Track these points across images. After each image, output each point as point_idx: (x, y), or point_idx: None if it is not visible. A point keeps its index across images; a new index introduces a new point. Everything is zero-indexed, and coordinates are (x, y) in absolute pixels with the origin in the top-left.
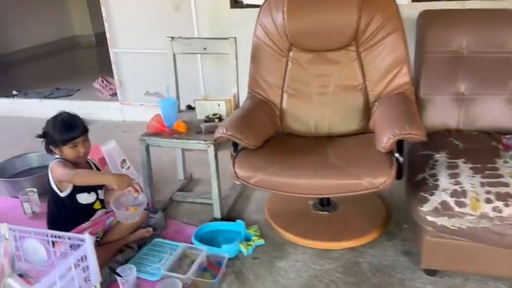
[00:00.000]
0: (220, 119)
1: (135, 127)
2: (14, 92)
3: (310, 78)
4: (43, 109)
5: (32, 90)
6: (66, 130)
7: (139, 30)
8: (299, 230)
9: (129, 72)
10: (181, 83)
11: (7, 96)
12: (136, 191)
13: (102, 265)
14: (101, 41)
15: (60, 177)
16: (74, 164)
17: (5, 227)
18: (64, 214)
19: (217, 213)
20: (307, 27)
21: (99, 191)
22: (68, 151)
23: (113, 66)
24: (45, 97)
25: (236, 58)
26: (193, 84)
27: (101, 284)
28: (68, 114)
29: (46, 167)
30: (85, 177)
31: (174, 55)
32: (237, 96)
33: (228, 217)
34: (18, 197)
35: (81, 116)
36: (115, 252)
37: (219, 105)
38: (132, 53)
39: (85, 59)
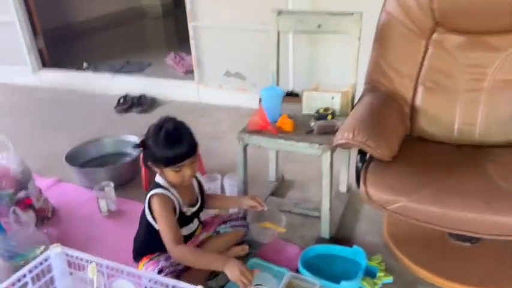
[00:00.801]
0: (333, 115)
1: (213, 112)
2: (85, 65)
3: (458, 69)
4: (115, 84)
5: (103, 63)
6: (170, 148)
7: (223, 3)
8: (434, 265)
9: (208, 50)
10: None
11: (77, 69)
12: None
13: None
14: (167, 12)
15: (161, 233)
16: (174, 185)
17: (94, 269)
18: (159, 243)
19: (325, 233)
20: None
21: (201, 214)
22: (170, 174)
23: (191, 42)
24: (117, 71)
25: (359, 39)
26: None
27: None
28: (175, 125)
29: (122, 154)
30: (190, 260)
31: (278, 33)
32: (355, 88)
33: (335, 238)
34: (91, 188)
35: (153, 96)
36: (207, 274)
37: (332, 98)
38: (214, 29)
39: (153, 31)
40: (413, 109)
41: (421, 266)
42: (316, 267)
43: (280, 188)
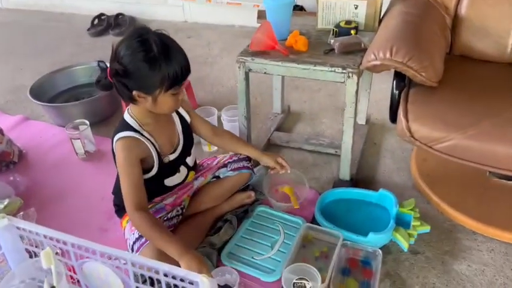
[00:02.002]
0: (357, 30)
1: (202, 32)
2: None
3: None
4: (87, 3)
5: None
6: (172, 63)
7: None
8: (474, 209)
9: None
10: None
11: None
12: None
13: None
14: None
15: (122, 189)
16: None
17: (49, 256)
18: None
19: (344, 174)
20: None
21: (189, 159)
22: (168, 100)
23: None
24: None
25: None
26: None
27: None
28: (158, 34)
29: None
30: (146, 233)
31: None
32: None
33: (356, 179)
34: (64, 126)
35: (132, 15)
36: (207, 229)
37: (356, 8)
38: None
39: None
40: (456, 19)
41: (460, 211)
42: (336, 215)
43: (287, 120)
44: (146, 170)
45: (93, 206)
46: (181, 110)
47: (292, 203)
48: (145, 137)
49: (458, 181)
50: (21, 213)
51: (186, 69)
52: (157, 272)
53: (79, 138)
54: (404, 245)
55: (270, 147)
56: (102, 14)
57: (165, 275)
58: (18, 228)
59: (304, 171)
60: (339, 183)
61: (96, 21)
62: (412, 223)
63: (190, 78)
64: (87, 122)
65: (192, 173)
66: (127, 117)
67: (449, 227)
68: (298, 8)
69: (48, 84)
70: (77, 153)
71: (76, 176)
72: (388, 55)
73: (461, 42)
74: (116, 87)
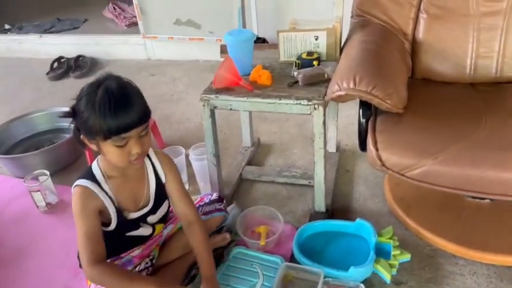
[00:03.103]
0: (319, 61)
1: (165, 68)
2: (7, 27)
3: None
4: (45, 47)
5: (28, 23)
6: (112, 113)
7: None
8: (452, 231)
9: None
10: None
11: None
12: None
13: None
14: None
15: (77, 241)
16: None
17: None
18: (107, 247)
19: (319, 206)
20: None
21: (151, 217)
22: (112, 150)
23: None
24: (45, 31)
25: None
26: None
27: None
28: (118, 82)
29: (57, 130)
30: (111, 285)
31: None
32: (341, 23)
33: (333, 209)
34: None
35: (94, 57)
36: (181, 277)
37: (316, 39)
38: None
39: None
40: (415, 44)
41: (438, 235)
42: (314, 250)
43: (258, 154)
44: (105, 224)
45: (57, 262)
46: (159, 169)
47: (260, 241)
48: (105, 190)
49: (434, 203)
50: None
51: (127, 122)
52: None
53: (39, 190)
54: (386, 276)
55: (242, 182)
56: (61, 57)
57: None
58: None
59: (279, 205)
60: (315, 215)
61: (55, 64)
62: (392, 252)
63: (156, 117)
64: (47, 172)
65: (159, 226)
66: (94, 165)
67: (430, 252)
68: (260, 41)
69: (5, 134)
70: (37, 206)
71: (38, 230)
72: (351, 85)
73: (422, 65)
74: (73, 129)
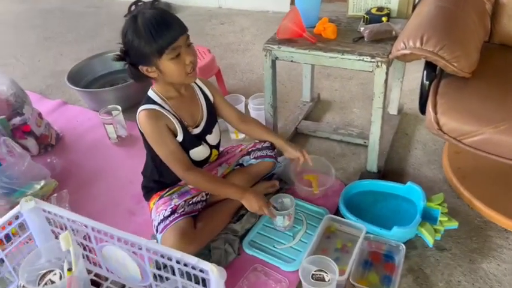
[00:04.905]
0: (388, 17)
1: (235, 18)
2: None
3: None
4: None
5: None
6: (157, 29)
7: None
8: (507, 205)
9: None
10: None
11: None
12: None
13: (215, 237)
14: None
15: (164, 160)
16: (179, 88)
17: (68, 239)
18: (167, 174)
19: (372, 165)
20: None
21: (209, 137)
22: (169, 65)
23: None
24: None
25: None
26: None
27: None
28: (150, 6)
29: None
30: (206, 187)
31: None
32: None
33: (385, 171)
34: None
35: (168, 1)
36: (230, 216)
37: None
38: None
39: None
40: (497, 6)
41: (492, 207)
42: (360, 207)
43: (316, 109)
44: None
45: (123, 189)
46: (206, 90)
47: (313, 189)
48: (167, 109)
49: (492, 176)
50: (55, 194)
51: (172, 32)
52: (170, 259)
53: (111, 123)
54: (429, 240)
55: (297, 136)
56: (138, 0)
57: (178, 262)
58: (44, 210)
59: (331, 161)
60: (366, 174)
61: (133, 7)
62: (440, 218)
63: (221, 65)
64: (119, 108)
65: (215, 151)
66: (150, 92)
67: (480, 223)
68: None
69: (85, 70)
70: (109, 138)
71: (108, 159)
72: (418, 44)
73: (502, 30)
74: (128, 68)
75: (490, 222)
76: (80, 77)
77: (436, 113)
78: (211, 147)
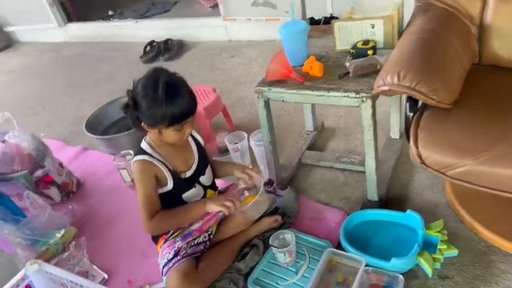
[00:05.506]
0: (374, 50)
1: (244, 49)
2: (110, 13)
3: None
4: (140, 31)
5: (127, 8)
6: (173, 105)
7: None
8: (510, 228)
9: None
10: None
11: (103, 19)
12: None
13: (220, 276)
14: None
15: (138, 204)
16: (162, 146)
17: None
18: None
19: (372, 195)
20: None
21: (203, 178)
22: (170, 133)
23: None
24: (141, 16)
25: None
26: None
27: None
28: (170, 77)
29: None
30: (170, 224)
31: None
32: (401, 10)
33: (386, 198)
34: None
35: (180, 39)
36: (233, 255)
37: (373, 27)
38: None
39: None
40: (482, 28)
41: (495, 231)
42: (362, 238)
43: (320, 137)
44: (163, 185)
45: (137, 231)
46: (196, 134)
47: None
48: (157, 159)
49: (494, 199)
50: (73, 242)
51: (186, 112)
52: None
53: (125, 168)
54: (428, 270)
55: (301, 166)
56: (153, 41)
57: None
58: (47, 272)
59: (336, 191)
60: (367, 204)
61: (148, 48)
62: (439, 246)
63: (231, 99)
64: (132, 152)
65: (210, 191)
66: (143, 143)
67: (483, 248)
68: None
69: (102, 116)
70: (124, 181)
71: (124, 202)
72: (395, 80)
73: (490, 51)
74: (130, 117)
75: (492, 246)
76: (98, 123)
77: (417, 147)
78: (205, 187)
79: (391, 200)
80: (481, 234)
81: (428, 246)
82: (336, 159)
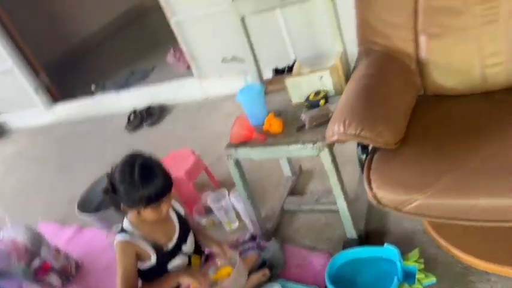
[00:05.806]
0: (326, 99)
1: (221, 104)
2: (93, 87)
3: (463, 2)
4: (122, 102)
5: (109, 80)
6: (149, 187)
7: None
8: (484, 247)
9: (197, 41)
10: (261, 48)
11: (87, 94)
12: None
13: None
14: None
15: (117, 273)
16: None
17: None
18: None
19: (351, 233)
20: None
21: (184, 246)
22: (148, 213)
23: (178, 38)
24: (121, 87)
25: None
26: (277, 47)
27: None
28: (145, 160)
29: None
30: None
31: (242, 18)
32: (345, 57)
33: (366, 234)
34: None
35: (161, 103)
36: None
37: (321, 78)
38: (196, 18)
39: (155, 27)
40: (420, 63)
41: (469, 253)
42: (347, 278)
43: (299, 182)
44: (146, 260)
45: None
46: (176, 204)
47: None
48: (137, 236)
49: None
50: None
51: (161, 192)
52: None
53: None
54: None
55: (284, 213)
56: (135, 110)
57: None
58: None
59: (318, 232)
60: (348, 242)
61: (131, 117)
62: (417, 276)
63: (213, 157)
64: None
65: (194, 258)
66: (124, 223)
67: (461, 270)
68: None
69: (92, 195)
70: None
71: None
72: (341, 129)
73: (431, 83)
74: (111, 199)
75: (470, 267)
76: (89, 202)
77: (371, 189)
78: (189, 255)
79: (371, 234)
80: (457, 257)
81: (408, 276)
82: (316, 202)
